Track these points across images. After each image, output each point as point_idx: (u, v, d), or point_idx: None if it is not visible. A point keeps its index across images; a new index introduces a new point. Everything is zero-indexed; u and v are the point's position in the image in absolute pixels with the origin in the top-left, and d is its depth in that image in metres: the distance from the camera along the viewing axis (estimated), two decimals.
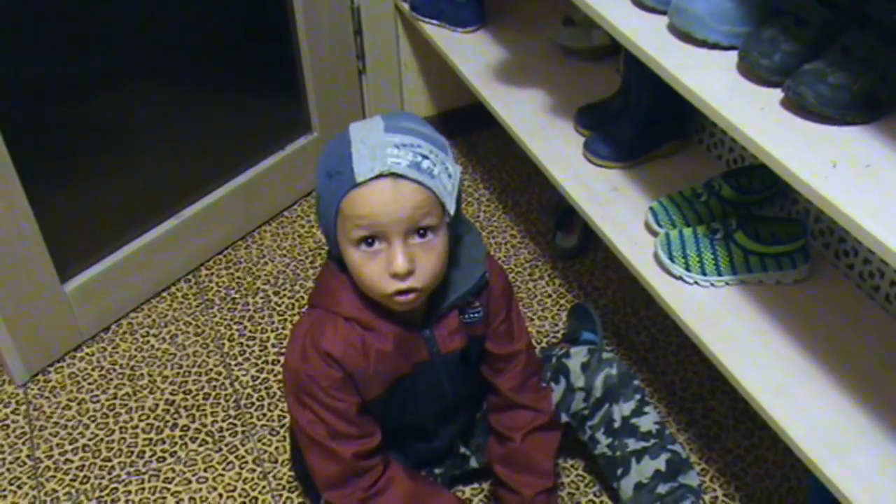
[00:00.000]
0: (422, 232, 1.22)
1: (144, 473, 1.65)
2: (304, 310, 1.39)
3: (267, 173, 2.14)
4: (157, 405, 1.77)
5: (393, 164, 1.18)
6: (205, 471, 1.65)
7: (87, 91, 1.80)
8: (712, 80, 1.27)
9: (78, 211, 1.86)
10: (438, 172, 1.21)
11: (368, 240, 1.21)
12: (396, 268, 1.20)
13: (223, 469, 1.65)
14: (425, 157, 1.20)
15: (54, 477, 1.65)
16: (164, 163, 1.98)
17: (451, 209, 1.24)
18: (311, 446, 1.35)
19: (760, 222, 1.52)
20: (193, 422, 1.74)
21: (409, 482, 1.38)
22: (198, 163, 2.04)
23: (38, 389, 1.80)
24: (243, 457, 1.67)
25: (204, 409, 1.76)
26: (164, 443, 1.70)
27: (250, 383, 1.80)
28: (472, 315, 1.37)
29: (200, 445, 1.70)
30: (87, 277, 1.87)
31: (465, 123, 2.41)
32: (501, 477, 1.47)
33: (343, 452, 1.32)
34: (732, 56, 1.30)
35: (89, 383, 1.81)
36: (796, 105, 1.19)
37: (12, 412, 1.76)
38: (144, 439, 1.71)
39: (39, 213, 1.72)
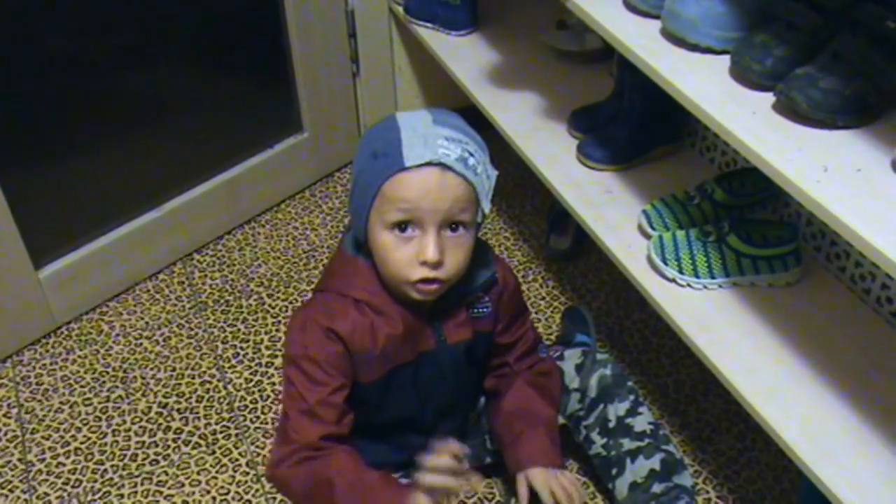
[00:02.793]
0: (454, 226, 1.25)
1: (137, 477, 1.65)
2: (314, 293, 1.40)
3: (253, 171, 2.15)
4: (149, 408, 1.77)
5: (443, 155, 1.21)
6: (198, 474, 1.65)
7: (68, 75, 1.80)
8: (705, 84, 1.27)
9: (54, 198, 1.86)
10: (481, 171, 1.26)
11: (403, 225, 1.23)
12: (428, 255, 1.23)
13: (216, 472, 1.65)
14: (471, 155, 1.24)
15: (46, 480, 1.65)
16: (148, 154, 1.98)
17: (486, 209, 1.28)
18: (283, 425, 1.33)
19: (753, 225, 1.53)
20: (187, 424, 1.74)
21: (356, 462, 1.31)
22: (182, 156, 2.05)
23: (31, 393, 1.80)
24: (237, 460, 1.67)
25: (197, 412, 1.76)
26: (157, 446, 1.70)
27: (244, 386, 1.80)
28: (480, 310, 1.40)
29: (194, 448, 1.70)
30: (62, 265, 1.88)
31: None
32: (505, 421, 1.47)
33: (311, 429, 1.29)
34: (725, 60, 1.31)
35: (82, 386, 1.81)
36: (788, 109, 1.20)
37: (3, 415, 1.76)
38: (137, 442, 1.71)
39: (12, 198, 1.72)
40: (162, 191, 2.02)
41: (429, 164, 1.21)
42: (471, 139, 1.26)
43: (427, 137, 1.22)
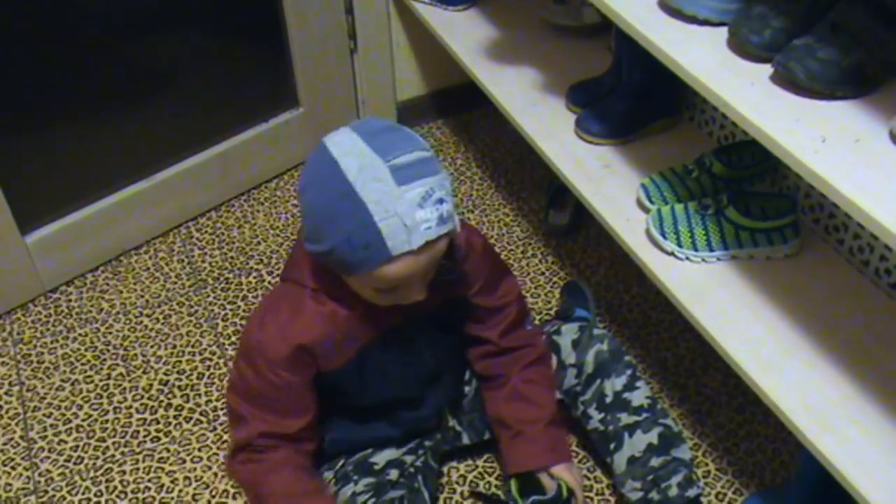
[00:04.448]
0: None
1: (139, 453, 1.66)
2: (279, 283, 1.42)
3: (247, 145, 2.15)
4: (150, 385, 1.78)
5: (427, 234, 1.16)
6: (199, 450, 1.66)
7: (61, 42, 1.80)
8: (703, 57, 1.27)
9: (43, 165, 1.87)
10: (451, 208, 1.20)
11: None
12: (415, 299, 1.25)
13: (218, 448, 1.66)
14: (443, 202, 1.18)
15: (48, 458, 1.66)
16: (140, 123, 1.99)
17: (458, 229, 1.24)
18: (230, 407, 1.39)
19: (751, 198, 1.53)
20: (188, 401, 1.74)
21: (293, 474, 1.38)
22: (175, 128, 2.05)
23: (32, 371, 1.80)
24: None
25: (198, 389, 1.76)
26: (158, 423, 1.71)
27: None
28: (445, 277, 1.36)
29: (195, 425, 1.70)
30: (49, 231, 1.91)
31: (457, 102, 2.40)
32: (504, 419, 1.48)
33: (254, 425, 1.34)
34: (722, 32, 1.30)
35: (83, 364, 1.82)
36: (786, 80, 1.20)
37: (5, 393, 1.77)
38: (138, 419, 1.71)
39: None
40: (153, 161, 2.03)
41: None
42: (431, 175, 1.18)
43: (405, 218, 1.14)
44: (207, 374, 1.79)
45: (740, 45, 1.26)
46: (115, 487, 1.60)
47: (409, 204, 1.14)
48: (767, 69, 1.23)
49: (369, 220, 1.14)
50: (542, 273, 1.98)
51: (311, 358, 1.33)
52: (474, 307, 1.46)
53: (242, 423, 1.36)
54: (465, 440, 1.58)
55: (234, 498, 1.58)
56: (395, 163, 1.16)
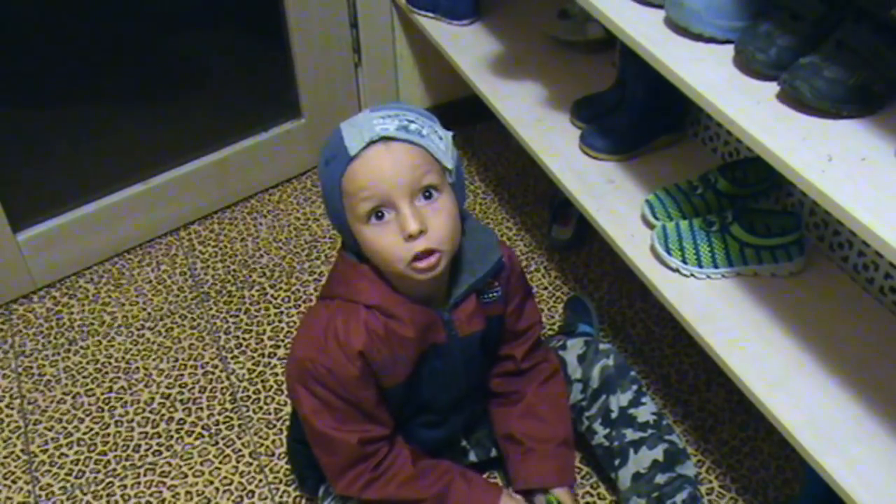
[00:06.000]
0: (427, 193, 1.22)
1: (140, 467, 1.65)
2: (319, 301, 1.38)
3: (246, 153, 2.15)
4: (152, 399, 1.77)
5: (381, 130, 1.20)
6: (201, 464, 1.65)
7: (59, 41, 1.80)
8: (709, 74, 1.27)
9: (38, 163, 1.88)
10: (428, 133, 1.23)
11: (378, 213, 1.22)
12: (409, 228, 1.20)
13: (219, 463, 1.65)
14: (412, 122, 1.23)
15: (49, 471, 1.65)
16: (138, 126, 2.00)
17: (450, 165, 1.24)
18: (315, 437, 1.34)
19: (756, 215, 1.53)
20: (189, 415, 1.74)
21: (410, 460, 1.38)
22: (173, 132, 2.06)
23: (33, 384, 1.80)
24: (240, 450, 1.67)
25: (200, 403, 1.76)
26: (159, 437, 1.70)
27: (246, 376, 1.80)
28: (490, 295, 1.38)
29: (196, 439, 1.70)
30: (42, 229, 1.93)
31: (462, 116, 2.40)
32: (515, 436, 1.48)
33: (349, 439, 1.32)
34: (729, 50, 1.30)
35: (84, 377, 1.81)
36: (792, 99, 1.20)
37: (6, 406, 1.76)
38: (140, 433, 1.71)
39: None
40: (150, 165, 2.04)
41: (371, 144, 1.20)
42: (409, 111, 1.25)
43: (363, 123, 1.22)
44: (209, 387, 1.79)
45: (746, 63, 1.26)
46: (117, 502, 1.60)
47: (371, 117, 1.23)
48: (774, 87, 1.23)
49: (339, 135, 1.24)
50: (546, 288, 1.98)
51: (371, 371, 1.31)
52: (505, 330, 1.45)
53: (339, 446, 1.33)
54: (472, 457, 1.58)
55: None
56: (382, 107, 1.26)
